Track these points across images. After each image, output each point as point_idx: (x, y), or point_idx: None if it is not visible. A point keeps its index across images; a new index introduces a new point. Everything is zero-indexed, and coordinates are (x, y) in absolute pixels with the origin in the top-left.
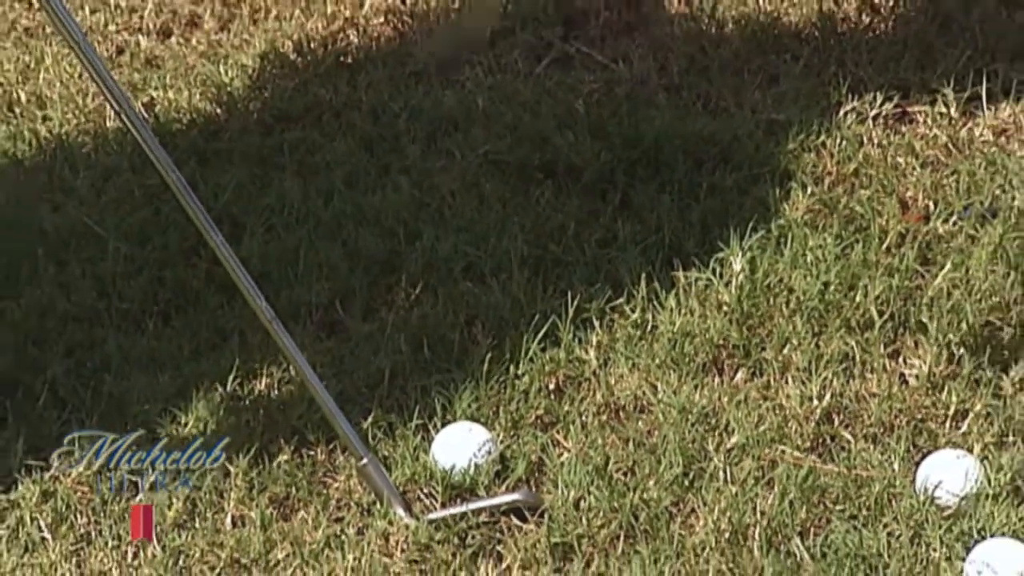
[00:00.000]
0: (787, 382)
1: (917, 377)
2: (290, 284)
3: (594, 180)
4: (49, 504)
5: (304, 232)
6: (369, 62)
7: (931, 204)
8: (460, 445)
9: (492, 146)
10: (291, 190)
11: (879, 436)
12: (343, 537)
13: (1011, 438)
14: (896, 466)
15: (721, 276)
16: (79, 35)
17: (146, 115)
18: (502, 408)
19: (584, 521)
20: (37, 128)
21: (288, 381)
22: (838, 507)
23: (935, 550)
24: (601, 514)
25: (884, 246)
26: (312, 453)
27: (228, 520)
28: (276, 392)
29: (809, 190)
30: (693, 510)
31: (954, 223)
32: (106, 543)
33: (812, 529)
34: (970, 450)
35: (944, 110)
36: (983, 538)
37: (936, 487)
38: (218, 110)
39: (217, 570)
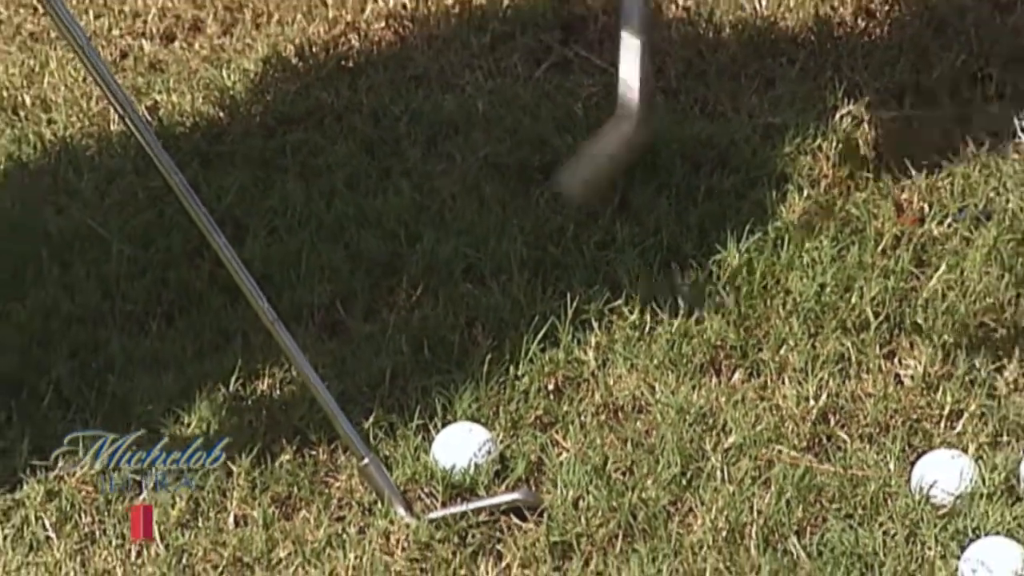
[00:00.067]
0: (784, 382)
1: (912, 377)
2: (292, 285)
3: None
4: (53, 503)
5: (306, 234)
6: (370, 66)
7: (926, 207)
8: (460, 445)
9: (492, 149)
10: (293, 192)
11: (875, 436)
12: (344, 536)
13: (1005, 438)
14: (892, 466)
15: (719, 278)
16: (83, 39)
17: (149, 118)
18: (502, 408)
19: (583, 520)
20: (42, 131)
21: (290, 381)
22: (834, 506)
23: (930, 549)
24: (600, 513)
25: (880, 248)
26: (314, 453)
27: (231, 519)
28: (278, 392)
29: (805, 193)
30: (691, 509)
31: (949, 225)
32: (110, 542)
33: (808, 528)
34: (965, 450)
35: (939, 113)
36: (978, 537)
37: (931, 486)
38: (221, 113)
39: (220, 569)
